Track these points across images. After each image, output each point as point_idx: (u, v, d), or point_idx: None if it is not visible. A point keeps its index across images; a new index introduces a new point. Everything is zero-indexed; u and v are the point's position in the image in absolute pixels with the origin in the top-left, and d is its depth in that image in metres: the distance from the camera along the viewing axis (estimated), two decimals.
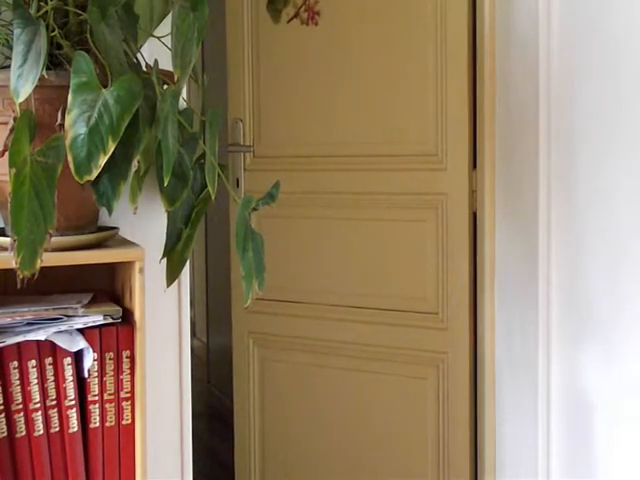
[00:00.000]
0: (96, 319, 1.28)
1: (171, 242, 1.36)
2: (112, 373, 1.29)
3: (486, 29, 2.17)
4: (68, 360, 1.27)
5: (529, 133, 2.07)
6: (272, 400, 2.61)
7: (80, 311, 1.29)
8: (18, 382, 1.24)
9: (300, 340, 2.53)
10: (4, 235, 1.26)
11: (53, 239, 1.12)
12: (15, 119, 1.11)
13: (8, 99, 1.13)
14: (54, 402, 1.27)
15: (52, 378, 1.27)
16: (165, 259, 1.38)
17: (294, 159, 2.51)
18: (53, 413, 1.27)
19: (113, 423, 1.30)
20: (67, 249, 1.25)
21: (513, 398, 2.18)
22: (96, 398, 1.28)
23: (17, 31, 1.11)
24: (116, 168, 1.15)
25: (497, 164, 2.19)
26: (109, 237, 1.33)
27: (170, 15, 1.26)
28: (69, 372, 1.27)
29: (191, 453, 1.70)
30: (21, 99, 1.09)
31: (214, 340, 4.21)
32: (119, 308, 1.32)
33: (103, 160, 1.10)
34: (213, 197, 1.29)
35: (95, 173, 1.10)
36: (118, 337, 1.29)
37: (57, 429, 1.27)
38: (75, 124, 1.10)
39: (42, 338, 1.24)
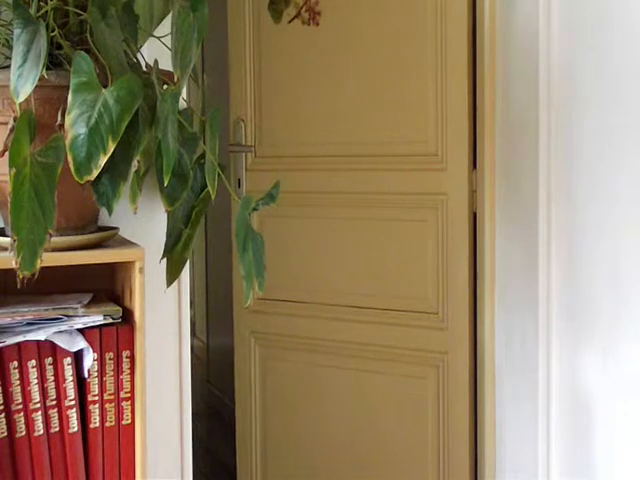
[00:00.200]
0: (96, 319, 1.29)
1: (171, 242, 1.36)
2: (112, 373, 1.29)
3: (486, 29, 2.17)
4: (68, 360, 1.27)
5: (529, 133, 2.07)
6: (273, 399, 2.61)
7: (80, 311, 1.29)
8: (18, 382, 1.24)
9: (301, 340, 2.54)
10: (4, 235, 1.26)
11: (53, 239, 1.12)
12: (15, 119, 1.11)
13: (8, 99, 1.13)
14: (54, 402, 1.27)
15: (52, 378, 1.27)
16: (165, 259, 1.38)
17: (296, 159, 2.51)
18: (53, 413, 1.27)
19: (113, 423, 1.29)
20: (67, 249, 1.25)
21: (513, 398, 2.18)
22: (96, 398, 1.28)
23: (17, 31, 1.11)
24: (116, 168, 1.15)
25: (497, 164, 2.19)
26: (109, 237, 1.33)
27: (170, 15, 1.26)
28: (69, 372, 1.27)
29: (191, 453, 1.70)
30: (21, 99, 1.09)
31: (214, 340, 4.21)
32: (119, 308, 1.32)
33: (103, 160, 1.10)
34: (213, 197, 1.28)
35: (95, 173, 1.10)
36: (118, 337, 1.29)
37: (57, 429, 1.27)
38: (75, 124, 1.10)
39: (42, 338, 1.24)
